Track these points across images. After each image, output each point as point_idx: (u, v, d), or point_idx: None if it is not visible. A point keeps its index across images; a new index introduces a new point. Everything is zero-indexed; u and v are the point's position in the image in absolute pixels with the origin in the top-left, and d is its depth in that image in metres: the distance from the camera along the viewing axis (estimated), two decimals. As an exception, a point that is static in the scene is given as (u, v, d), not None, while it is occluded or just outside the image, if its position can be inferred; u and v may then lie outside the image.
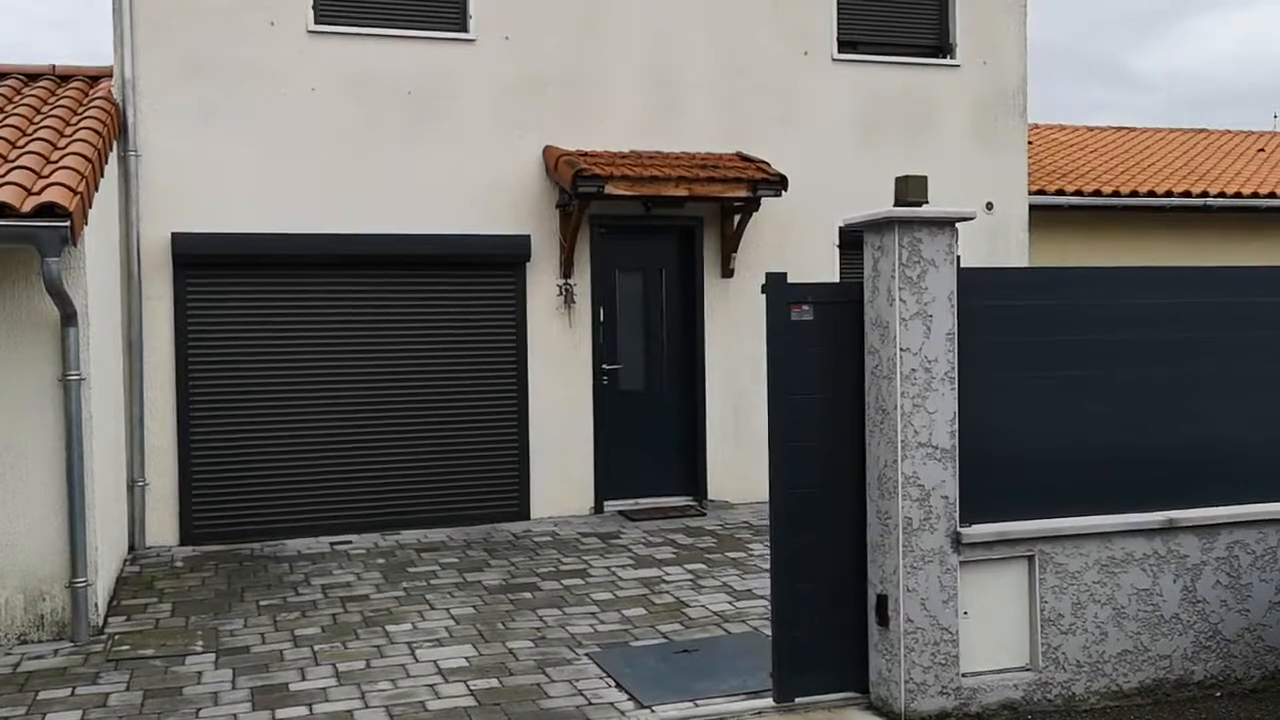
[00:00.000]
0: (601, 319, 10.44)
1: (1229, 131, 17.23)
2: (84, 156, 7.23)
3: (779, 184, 10.02)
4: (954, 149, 11.43)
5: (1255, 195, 13.56)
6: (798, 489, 5.51)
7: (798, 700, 5.58)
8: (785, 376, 5.50)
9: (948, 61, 11.47)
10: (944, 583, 5.40)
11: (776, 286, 5.51)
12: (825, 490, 5.56)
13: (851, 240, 10.83)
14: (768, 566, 8.34)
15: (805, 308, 5.51)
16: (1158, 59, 47.53)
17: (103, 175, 7.95)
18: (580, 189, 9.45)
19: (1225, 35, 47.25)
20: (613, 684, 5.97)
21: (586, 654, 6.46)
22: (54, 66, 10.02)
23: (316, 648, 6.62)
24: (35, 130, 8.00)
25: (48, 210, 6.36)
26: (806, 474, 5.53)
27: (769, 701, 5.63)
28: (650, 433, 10.67)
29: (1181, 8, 47.33)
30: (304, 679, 6.10)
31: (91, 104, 8.94)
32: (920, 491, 5.36)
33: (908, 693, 5.35)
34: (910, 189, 5.39)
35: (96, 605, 6.96)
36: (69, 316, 6.73)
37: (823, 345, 5.55)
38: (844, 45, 11.15)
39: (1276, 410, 5.98)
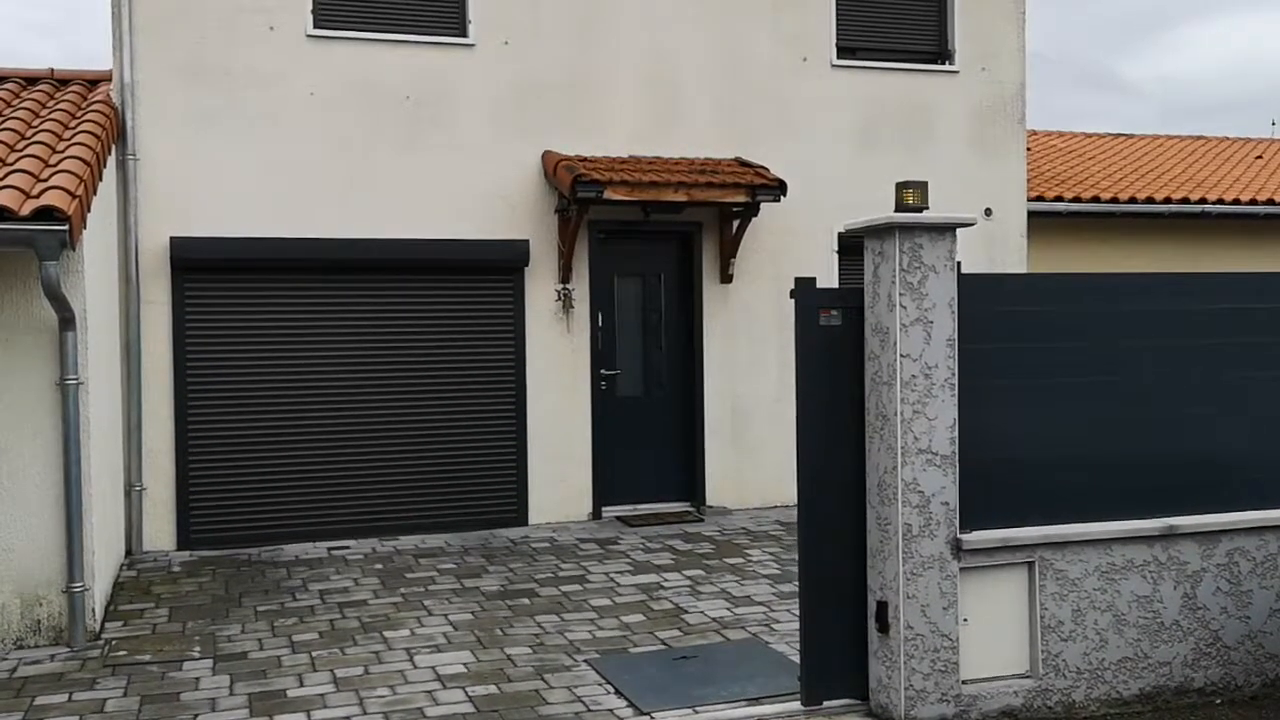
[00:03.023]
0: (600, 324, 10.44)
1: (1227, 139, 17.26)
2: (82, 160, 7.21)
3: (778, 189, 10.02)
4: (952, 155, 11.44)
5: (1253, 202, 13.58)
6: (824, 493, 5.52)
7: (825, 704, 5.59)
8: (814, 381, 5.50)
9: (946, 68, 11.48)
10: (944, 589, 5.39)
11: (806, 292, 5.52)
12: (844, 494, 5.57)
13: (850, 246, 10.83)
14: (766, 573, 8.34)
15: (834, 313, 5.52)
16: (1148, 66, 47.67)
17: (101, 179, 7.93)
18: (579, 194, 9.44)
19: (1216, 42, 47.40)
20: (612, 691, 5.95)
21: (585, 660, 6.44)
22: (53, 70, 10.00)
23: (314, 653, 6.59)
24: (34, 133, 7.98)
25: (46, 214, 6.34)
26: (832, 478, 5.54)
27: (770, 708, 5.63)
28: (648, 438, 10.66)
29: (1172, 15, 47.48)
30: (302, 685, 6.08)
31: (90, 107, 8.93)
32: (920, 498, 5.34)
33: (907, 700, 5.34)
34: (911, 195, 5.39)
35: (93, 610, 6.94)
36: (67, 320, 6.71)
37: (845, 350, 5.56)
38: (843, 51, 11.15)
39: (1276, 417, 5.97)
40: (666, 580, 8.20)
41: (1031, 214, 12.01)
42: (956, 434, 5.39)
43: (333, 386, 9.71)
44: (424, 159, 9.91)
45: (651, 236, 10.65)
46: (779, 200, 10.10)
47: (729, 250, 10.60)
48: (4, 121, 8.23)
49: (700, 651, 6.57)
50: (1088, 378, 5.69)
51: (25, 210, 6.34)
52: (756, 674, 6.15)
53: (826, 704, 5.61)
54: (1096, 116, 44.30)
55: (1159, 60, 47.87)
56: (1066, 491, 5.63)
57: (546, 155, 10.15)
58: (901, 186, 5.42)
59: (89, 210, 7.06)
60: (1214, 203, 13.38)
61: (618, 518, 10.33)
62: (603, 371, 10.45)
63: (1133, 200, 13.12)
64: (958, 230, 5.45)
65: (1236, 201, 13.49)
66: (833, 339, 5.54)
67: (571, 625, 7.13)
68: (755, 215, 10.37)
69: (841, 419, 5.56)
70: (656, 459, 10.68)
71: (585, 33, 10.35)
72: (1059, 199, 12.81)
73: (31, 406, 6.80)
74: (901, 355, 5.31)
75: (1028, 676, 5.58)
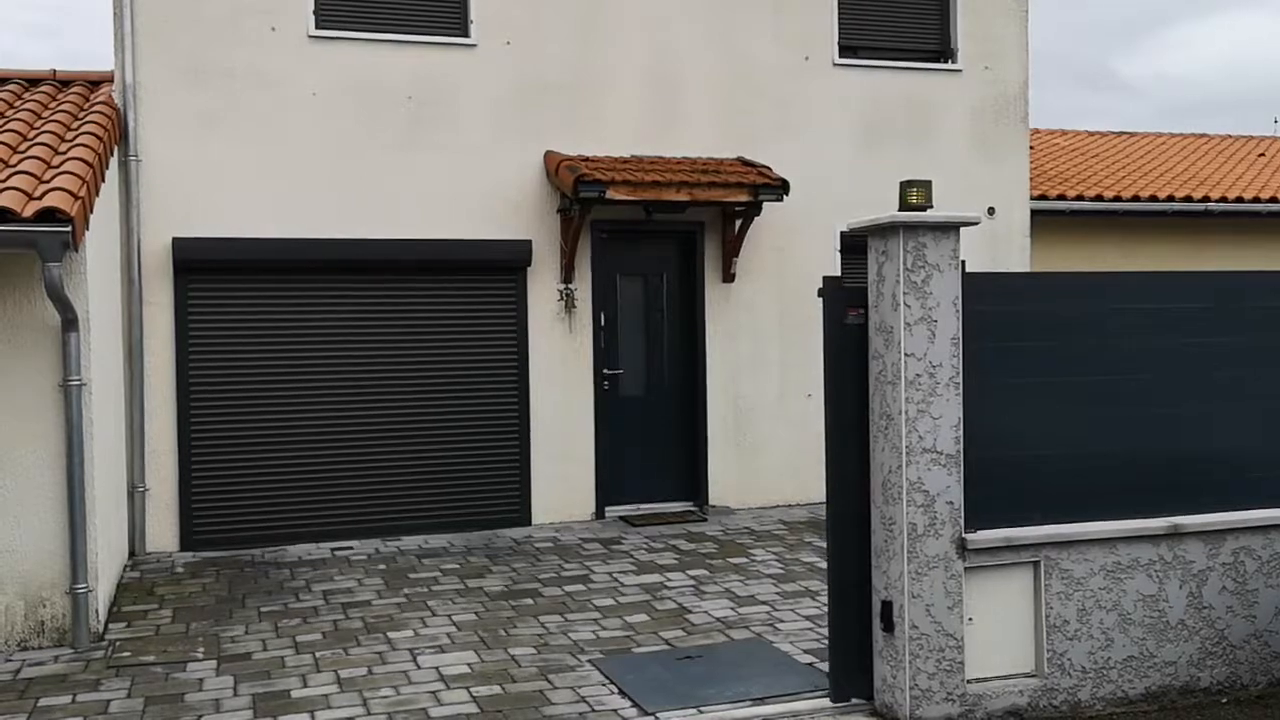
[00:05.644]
0: (602, 324, 10.43)
1: (1229, 137, 17.24)
2: (85, 161, 7.21)
3: (780, 188, 10.00)
4: (955, 154, 11.43)
5: (1256, 200, 13.55)
6: (852, 492, 5.53)
7: (853, 701, 5.61)
8: (843, 380, 5.51)
9: (949, 66, 11.47)
10: (949, 589, 5.38)
11: (833, 291, 5.51)
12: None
13: (853, 245, 10.82)
14: (770, 573, 8.34)
15: (861, 311, 5.52)
16: (1145, 64, 47.63)
17: (104, 180, 7.93)
18: (581, 194, 9.43)
19: (1213, 41, 47.36)
20: (616, 691, 5.94)
21: (589, 660, 6.43)
22: (55, 71, 10.01)
23: (318, 654, 6.59)
24: (36, 135, 7.98)
25: (49, 215, 6.34)
26: (856, 477, 5.55)
27: (774, 708, 5.62)
28: (651, 438, 10.65)
29: (1170, 14, 47.44)
30: (305, 686, 6.07)
31: (92, 109, 8.93)
32: (925, 497, 5.33)
33: (913, 699, 5.33)
34: (915, 193, 5.37)
35: (97, 611, 6.93)
36: (70, 322, 6.70)
37: (864, 349, 5.58)
38: (845, 50, 11.15)
39: (1281, 415, 5.97)
40: (670, 580, 8.19)
41: (1034, 213, 12.01)
42: (961, 433, 5.38)
43: (335, 387, 9.70)
44: (426, 159, 9.90)
45: (654, 236, 10.64)
46: (781, 199, 10.09)
47: (731, 250, 10.59)
48: (6, 123, 8.23)
49: (704, 651, 6.56)
50: (1092, 376, 5.68)
51: (28, 212, 6.33)
52: (761, 674, 6.14)
53: (831, 704, 5.60)
54: (1094, 115, 44.32)
55: (1157, 59, 47.87)
56: (1071, 490, 5.62)
57: (548, 155, 10.14)
58: (905, 185, 5.40)
59: (91, 211, 7.05)
60: (1216, 201, 13.36)
61: (621, 518, 10.33)
62: (605, 371, 10.45)
63: (1135, 199, 13.10)
64: (961, 229, 5.44)
65: (1239, 200, 13.47)
66: (858, 338, 5.54)
67: (575, 625, 7.12)
68: (758, 215, 10.36)
69: (864, 418, 5.55)
70: (659, 458, 10.67)
71: (587, 33, 10.34)
72: (1062, 198, 12.79)
73: (34, 408, 6.80)
74: (906, 354, 5.30)
75: (1033, 676, 5.57)
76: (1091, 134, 16.54)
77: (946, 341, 5.36)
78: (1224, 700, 5.79)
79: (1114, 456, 5.70)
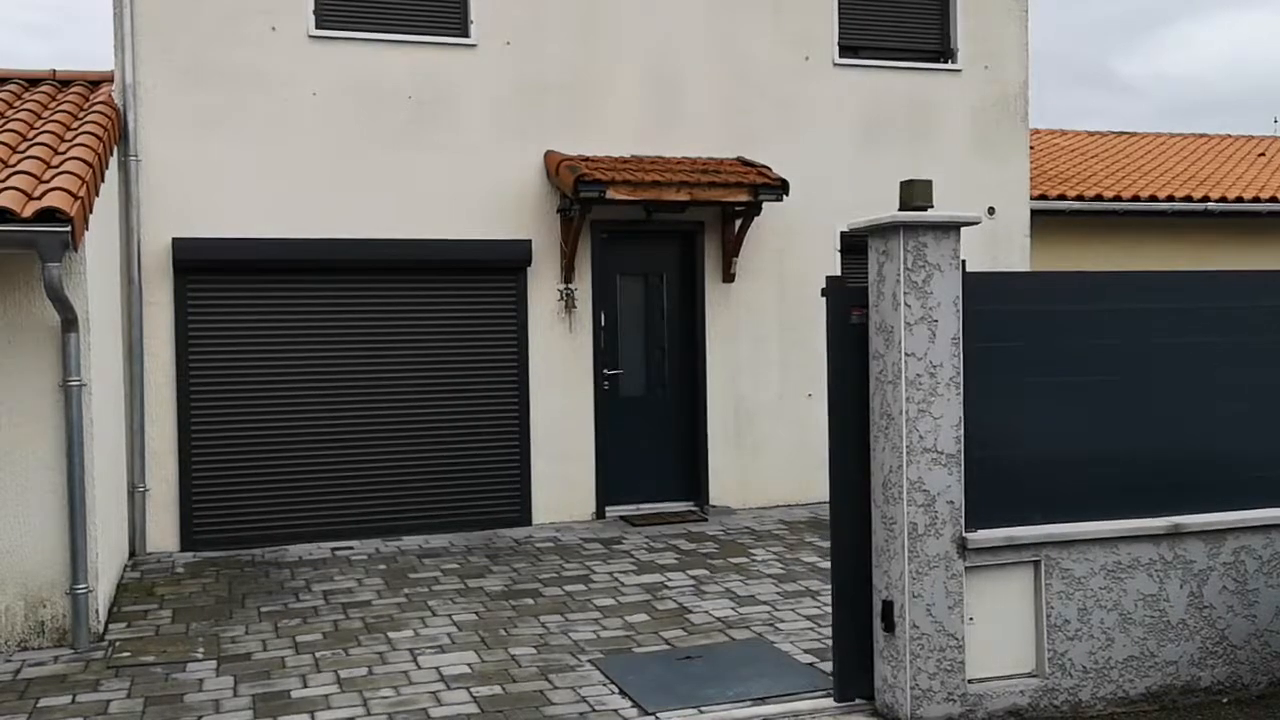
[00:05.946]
0: (603, 324, 10.43)
1: (1229, 136, 17.24)
2: (85, 161, 7.20)
3: (780, 188, 10.00)
4: (955, 154, 11.43)
5: (1256, 200, 13.55)
6: (854, 491, 5.53)
7: (855, 701, 5.61)
8: (846, 381, 5.51)
9: (949, 66, 11.47)
10: (949, 588, 5.37)
11: (837, 291, 5.51)
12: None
13: (853, 245, 10.83)
14: (770, 573, 8.33)
15: (864, 311, 5.53)
16: (1143, 64, 47.64)
17: (103, 180, 7.92)
18: (581, 194, 9.43)
19: (1212, 40, 47.36)
20: (616, 691, 5.94)
21: (590, 660, 6.43)
22: (54, 71, 10.00)
23: (318, 654, 6.59)
24: (36, 135, 7.97)
25: (49, 215, 6.33)
26: (857, 477, 5.55)
27: (775, 708, 5.62)
28: (652, 438, 10.65)
29: (1169, 14, 47.44)
30: (306, 686, 6.07)
31: (92, 109, 8.92)
32: (925, 497, 5.33)
33: (913, 699, 5.32)
34: (915, 193, 5.37)
35: (97, 612, 6.93)
36: (70, 322, 6.70)
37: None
38: (845, 50, 11.14)
39: (1282, 415, 5.96)
40: (670, 580, 8.19)
41: (1034, 212, 12.01)
42: (961, 433, 5.38)
43: (335, 387, 9.70)
44: (426, 159, 9.90)
45: (654, 236, 10.64)
46: (781, 199, 10.09)
47: (731, 249, 10.59)
48: (6, 123, 8.23)
49: (705, 651, 6.56)
50: (1092, 376, 5.68)
51: (27, 212, 6.33)
52: (762, 674, 6.14)
53: (832, 704, 5.60)
54: (1094, 115, 44.33)
55: (1156, 59, 47.89)
56: (1072, 490, 5.62)
57: (549, 155, 10.14)
58: (905, 185, 5.41)
59: (91, 211, 7.05)
60: (1216, 201, 13.37)
61: (621, 517, 10.32)
62: (605, 371, 10.44)
63: (1135, 199, 13.11)
64: (962, 229, 5.43)
65: (1239, 199, 13.47)
66: (860, 338, 5.54)
67: (576, 625, 7.12)
68: (758, 214, 10.36)
69: (865, 418, 5.55)
70: (659, 459, 10.67)
71: (587, 32, 10.34)
72: (1062, 197, 12.80)
73: (34, 408, 6.80)
74: (906, 354, 5.30)
75: (1034, 675, 5.56)
76: (1091, 134, 16.54)
77: (947, 341, 5.36)
78: (1225, 700, 5.79)
79: (1114, 456, 5.69)
